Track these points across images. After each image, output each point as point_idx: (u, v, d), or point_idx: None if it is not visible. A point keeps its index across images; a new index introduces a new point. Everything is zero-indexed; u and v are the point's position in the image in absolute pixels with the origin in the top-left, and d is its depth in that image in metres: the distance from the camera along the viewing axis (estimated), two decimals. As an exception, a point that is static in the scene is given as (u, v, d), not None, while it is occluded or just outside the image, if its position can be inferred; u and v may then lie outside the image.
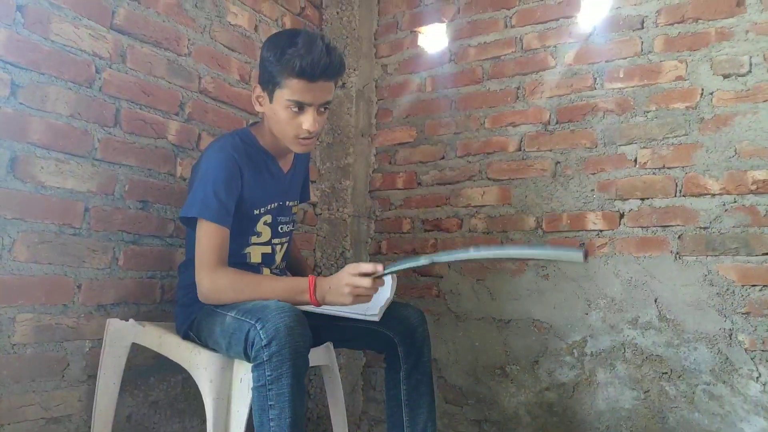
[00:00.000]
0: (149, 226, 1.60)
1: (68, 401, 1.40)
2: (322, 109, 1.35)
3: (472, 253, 1.15)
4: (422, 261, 1.17)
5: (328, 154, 2.27)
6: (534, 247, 1.07)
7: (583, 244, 0.98)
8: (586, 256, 0.97)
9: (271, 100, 1.33)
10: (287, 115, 1.32)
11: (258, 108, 1.39)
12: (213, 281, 1.26)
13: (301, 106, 1.31)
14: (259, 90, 1.36)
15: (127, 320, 1.44)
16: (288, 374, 1.10)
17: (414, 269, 1.23)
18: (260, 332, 1.11)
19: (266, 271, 1.47)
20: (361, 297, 1.23)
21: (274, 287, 1.27)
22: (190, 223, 1.34)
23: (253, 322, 1.14)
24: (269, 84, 1.32)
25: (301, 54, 1.24)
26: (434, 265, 1.18)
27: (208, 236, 1.28)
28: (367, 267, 1.21)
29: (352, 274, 1.21)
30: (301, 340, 1.12)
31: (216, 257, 1.27)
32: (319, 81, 1.29)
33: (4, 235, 1.28)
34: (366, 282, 1.20)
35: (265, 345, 1.10)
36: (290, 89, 1.28)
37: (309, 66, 1.25)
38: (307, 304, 1.26)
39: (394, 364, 1.44)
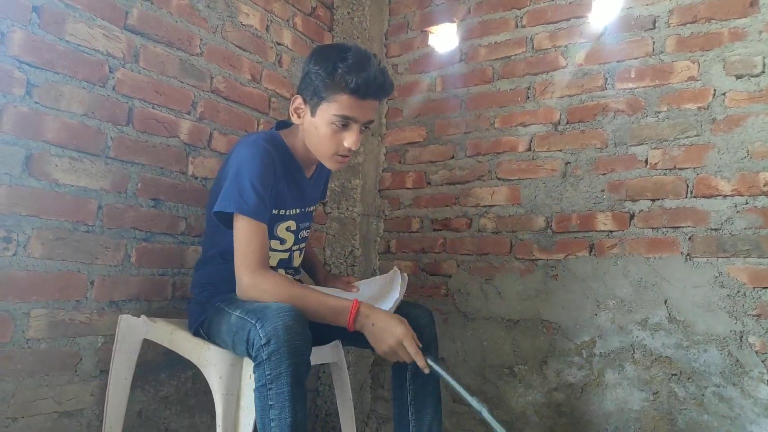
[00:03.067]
0: (161, 223, 1.62)
1: (81, 396, 1.42)
2: (364, 128, 1.33)
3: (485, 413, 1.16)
4: (473, 403, 1.17)
5: (338, 154, 2.28)
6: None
7: None
8: None
9: (313, 114, 1.31)
10: (330, 131, 1.30)
11: (295, 120, 1.36)
12: (255, 283, 1.23)
13: (346, 123, 1.29)
14: (299, 101, 1.34)
15: (139, 316, 1.46)
16: (287, 373, 1.08)
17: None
18: (259, 332, 1.11)
19: (281, 272, 1.46)
20: (397, 355, 1.22)
21: (315, 307, 1.23)
22: (223, 218, 1.30)
23: (253, 322, 1.14)
24: (314, 97, 1.30)
25: (355, 70, 1.24)
26: (480, 411, 1.17)
27: (248, 234, 1.24)
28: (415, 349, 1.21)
29: (403, 337, 1.20)
30: (300, 340, 1.11)
31: (258, 257, 1.24)
32: (368, 99, 1.28)
33: (20, 232, 1.31)
34: (413, 350, 1.20)
35: (264, 344, 1.09)
36: (339, 104, 1.27)
37: (364, 83, 1.24)
38: (343, 326, 1.24)
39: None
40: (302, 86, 1.34)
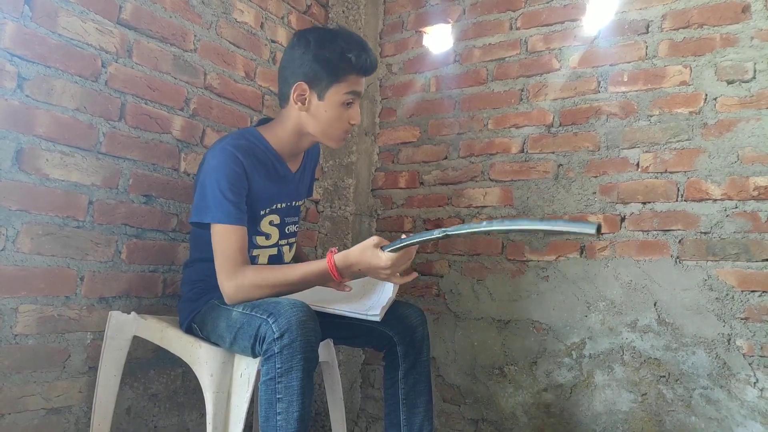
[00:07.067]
0: (152, 220, 1.61)
1: (69, 392, 1.41)
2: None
3: (484, 226, 1.10)
4: (436, 234, 1.15)
5: (332, 152, 2.28)
6: (547, 221, 1.02)
7: (600, 225, 0.91)
8: (599, 230, 0.92)
9: (321, 97, 1.35)
10: (338, 112, 1.36)
11: (299, 108, 1.37)
12: (236, 284, 1.25)
13: (354, 99, 1.38)
14: (303, 88, 1.35)
15: (129, 313, 1.45)
16: (298, 367, 1.10)
17: (425, 243, 1.22)
18: (273, 326, 1.12)
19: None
20: (398, 274, 1.27)
21: (297, 278, 1.27)
22: (202, 224, 1.32)
23: (264, 317, 1.15)
24: (323, 81, 1.34)
25: (360, 52, 1.33)
26: (447, 238, 1.15)
27: (224, 239, 1.27)
28: (405, 257, 1.24)
29: (392, 267, 1.22)
30: (313, 335, 1.13)
31: (235, 259, 1.26)
32: (369, 75, 1.40)
33: (9, 227, 1.29)
34: (405, 259, 1.24)
35: (277, 338, 1.11)
36: (349, 83, 1.35)
37: (371, 63, 1.36)
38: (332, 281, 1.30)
39: (393, 363, 1.44)
40: (303, 72, 1.35)
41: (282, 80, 1.41)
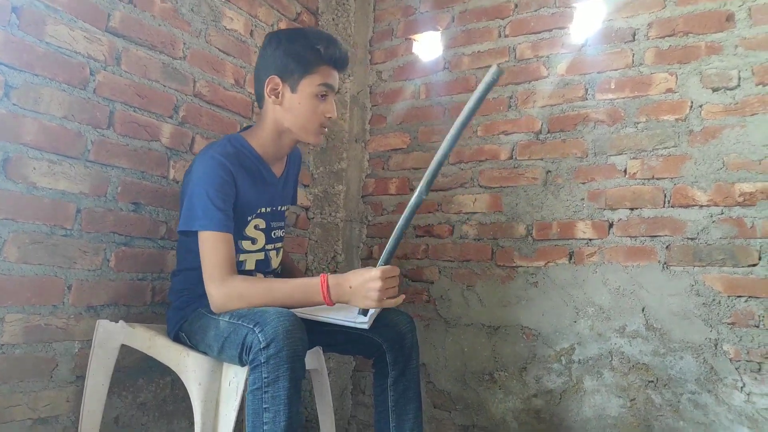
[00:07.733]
0: (141, 227, 1.60)
1: (56, 402, 1.40)
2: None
3: (437, 157, 1.15)
4: (415, 199, 1.16)
5: (322, 159, 2.29)
6: (465, 110, 1.14)
7: (499, 66, 1.03)
8: (499, 66, 1.04)
9: (294, 90, 1.37)
10: (312, 104, 1.38)
11: (273, 101, 1.39)
12: (224, 293, 1.25)
13: (326, 94, 1.39)
14: (276, 81, 1.38)
15: (117, 322, 1.44)
16: (285, 377, 1.10)
17: (412, 216, 1.22)
18: (259, 335, 1.11)
19: (259, 276, 1.47)
20: (390, 296, 1.24)
21: (285, 292, 1.27)
22: (189, 233, 1.33)
23: (251, 326, 1.14)
24: (295, 73, 1.37)
25: (330, 44, 1.37)
26: (426, 194, 1.18)
27: (212, 246, 1.27)
28: (393, 270, 1.24)
29: (382, 279, 1.21)
30: (300, 344, 1.13)
31: (223, 267, 1.26)
32: (340, 70, 1.42)
33: (-5, 236, 1.29)
34: (395, 281, 1.24)
35: (263, 347, 1.10)
36: (321, 75, 1.37)
37: (341, 56, 1.39)
38: (321, 304, 1.27)
39: (383, 370, 1.44)
40: (275, 66, 1.38)
41: (257, 80, 1.44)
